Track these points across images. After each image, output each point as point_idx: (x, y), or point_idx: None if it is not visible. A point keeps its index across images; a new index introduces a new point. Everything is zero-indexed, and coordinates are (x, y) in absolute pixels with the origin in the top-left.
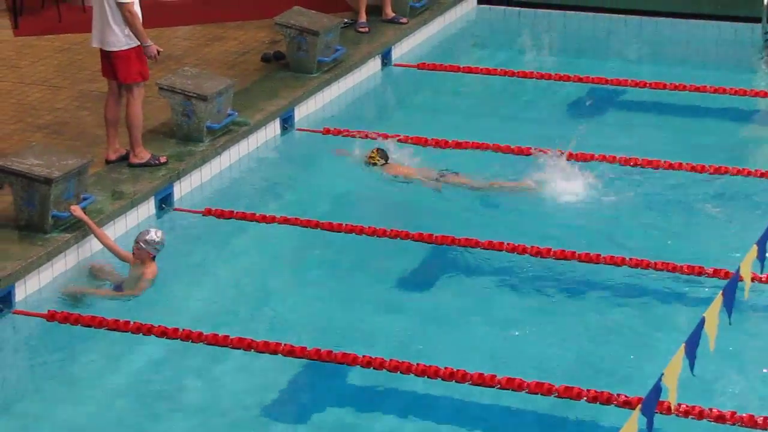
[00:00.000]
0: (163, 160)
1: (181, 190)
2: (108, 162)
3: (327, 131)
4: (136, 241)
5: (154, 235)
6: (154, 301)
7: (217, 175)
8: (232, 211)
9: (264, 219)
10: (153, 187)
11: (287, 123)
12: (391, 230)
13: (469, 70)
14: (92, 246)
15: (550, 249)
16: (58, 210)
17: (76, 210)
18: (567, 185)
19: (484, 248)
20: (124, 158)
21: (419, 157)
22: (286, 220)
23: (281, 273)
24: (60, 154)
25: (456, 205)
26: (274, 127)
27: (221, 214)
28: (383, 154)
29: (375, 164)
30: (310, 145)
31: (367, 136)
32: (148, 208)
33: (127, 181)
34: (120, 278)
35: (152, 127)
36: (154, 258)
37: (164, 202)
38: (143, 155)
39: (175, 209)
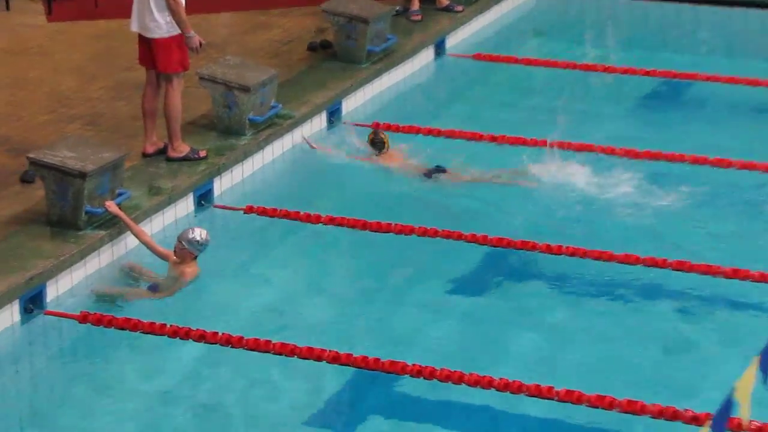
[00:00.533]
0: (202, 154)
1: (221, 185)
2: (145, 155)
3: (377, 125)
4: (179, 240)
5: (199, 235)
6: (191, 303)
7: (260, 170)
8: (276, 209)
9: (309, 218)
10: (192, 182)
11: (334, 116)
12: (443, 231)
13: (528, 62)
14: (127, 244)
15: (613, 253)
16: (92, 205)
17: (111, 206)
18: (626, 185)
19: (541, 251)
20: (161, 152)
21: (418, 155)
22: (332, 220)
23: (326, 275)
24: (95, 147)
25: (503, 206)
26: (320, 121)
27: (264, 212)
28: (381, 142)
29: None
30: (357, 139)
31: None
32: (187, 204)
33: (164, 176)
34: (157, 278)
35: (192, 119)
36: (196, 258)
37: (203, 199)
38: (182, 149)
39: (215, 206)
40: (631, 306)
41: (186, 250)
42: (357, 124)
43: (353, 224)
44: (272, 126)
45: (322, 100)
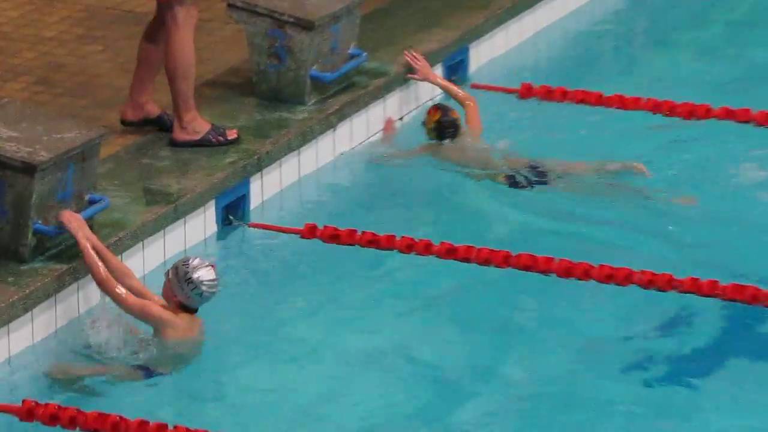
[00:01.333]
0: (231, 135)
1: (262, 190)
2: (125, 123)
3: (527, 92)
4: (167, 274)
5: (202, 270)
6: (208, 388)
7: (329, 164)
8: (353, 232)
9: (410, 247)
10: (213, 183)
11: (456, 73)
12: (642, 273)
13: None
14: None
15: None
16: (46, 221)
17: (73, 220)
18: None
19: None
20: (161, 127)
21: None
22: (449, 251)
23: (435, 341)
24: (50, 122)
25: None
26: None
27: (333, 237)
28: (453, 124)
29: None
30: (493, 114)
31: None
32: (205, 220)
33: (167, 172)
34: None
35: (213, 77)
36: (193, 310)
37: (233, 212)
38: (197, 126)
39: (251, 225)
40: None
41: (172, 288)
42: (491, 88)
43: (484, 258)
44: (350, 89)
45: (434, 45)
